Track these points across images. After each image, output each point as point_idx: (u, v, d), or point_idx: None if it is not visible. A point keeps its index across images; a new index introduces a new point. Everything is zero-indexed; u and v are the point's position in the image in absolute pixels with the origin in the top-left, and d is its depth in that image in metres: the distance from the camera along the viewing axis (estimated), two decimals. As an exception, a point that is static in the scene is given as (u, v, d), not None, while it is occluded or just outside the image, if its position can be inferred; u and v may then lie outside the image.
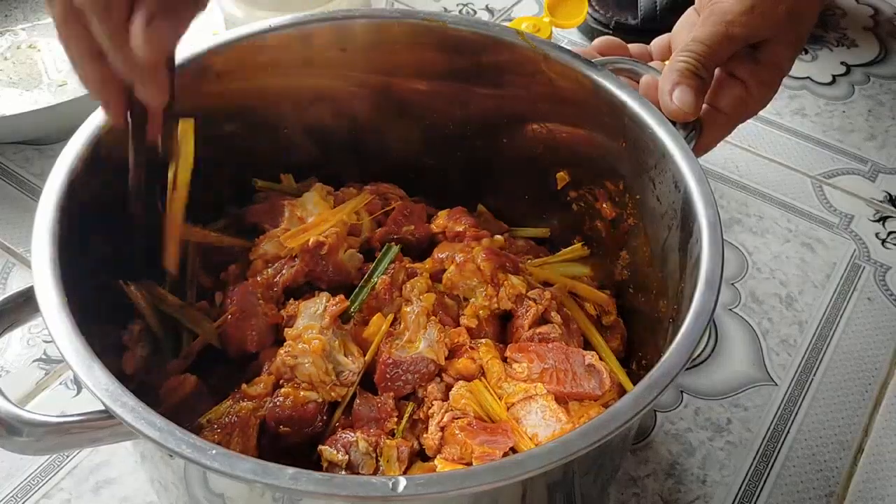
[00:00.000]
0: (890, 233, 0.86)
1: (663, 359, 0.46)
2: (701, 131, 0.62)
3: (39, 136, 0.87)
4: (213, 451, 0.40)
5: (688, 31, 0.67)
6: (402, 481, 0.39)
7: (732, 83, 0.63)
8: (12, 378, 0.69)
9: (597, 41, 0.70)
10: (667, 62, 0.69)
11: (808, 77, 1.04)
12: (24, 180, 0.85)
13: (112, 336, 0.55)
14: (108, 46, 0.47)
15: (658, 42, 0.71)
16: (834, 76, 1.05)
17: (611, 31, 1.02)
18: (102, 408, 0.43)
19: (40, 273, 0.47)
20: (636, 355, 0.64)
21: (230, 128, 0.67)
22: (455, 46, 0.65)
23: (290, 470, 0.39)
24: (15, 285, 0.76)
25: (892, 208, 0.89)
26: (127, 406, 0.42)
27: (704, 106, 0.62)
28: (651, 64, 0.69)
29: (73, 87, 0.92)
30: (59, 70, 0.94)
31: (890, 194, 0.90)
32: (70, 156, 0.54)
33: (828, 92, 1.02)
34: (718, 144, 0.66)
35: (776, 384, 0.73)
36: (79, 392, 0.69)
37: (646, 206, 0.62)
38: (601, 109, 0.62)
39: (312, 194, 0.67)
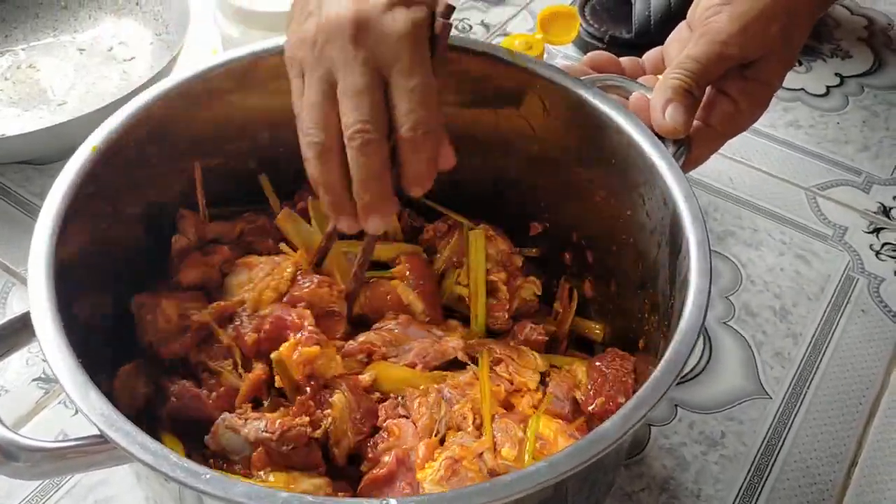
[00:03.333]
0: (884, 244, 0.87)
1: (652, 376, 0.47)
2: (690, 147, 0.63)
3: (40, 155, 0.88)
4: (208, 476, 0.40)
5: (679, 45, 0.68)
6: (394, 503, 0.40)
7: (723, 100, 0.64)
8: (11, 397, 0.70)
9: (588, 56, 0.70)
10: (659, 76, 0.70)
11: (802, 88, 1.05)
12: (25, 200, 0.86)
13: (110, 357, 0.56)
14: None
15: (650, 55, 0.72)
16: (828, 87, 1.05)
17: (605, 46, 1.03)
18: (98, 432, 0.43)
19: (37, 298, 0.48)
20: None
21: (237, 146, 0.68)
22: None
23: (284, 494, 0.40)
24: (15, 305, 0.77)
25: (887, 220, 0.89)
26: (122, 431, 0.42)
27: (695, 122, 0.63)
28: (643, 78, 0.70)
29: (73, 107, 0.93)
30: (58, 90, 0.95)
31: (884, 205, 0.91)
32: (69, 176, 0.55)
33: (822, 103, 1.03)
34: (711, 157, 0.66)
35: (770, 397, 0.73)
36: (78, 412, 0.69)
37: (636, 223, 0.62)
38: (590, 128, 0.63)
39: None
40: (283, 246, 0.67)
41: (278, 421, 0.54)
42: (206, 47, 0.90)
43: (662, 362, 0.47)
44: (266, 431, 0.53)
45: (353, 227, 0.54)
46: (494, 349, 0.63)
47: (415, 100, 0.50)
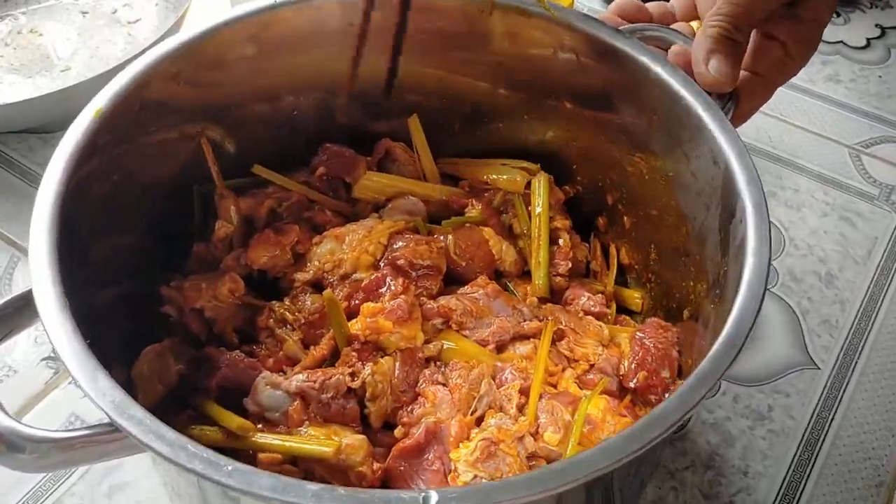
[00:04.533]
0: (934, 203, 0.82)
1: (711, 351, 0.43)
2: (738, 100, 0.58)
3: (43, 123, 0.84)
4: (230, 467, 0.37)
5: None
6: (434, 496, 0.36)
7: (770, 45, 0.59)
8: (20, 378, 0.67)
9: (614, 5, 0.65)
10: (693, 24, 0.65)
11: (840, 41, 0.99)
12: (28, 170, 0.82)
13: (121, 339, 0.52)
14: None
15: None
16: (868, 39, 1.00)
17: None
18: (107, 420, 0.40)
19: (39, 275, 0.44)
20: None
21: (250, 110, 0.64)
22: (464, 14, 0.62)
23: (313, 486, 0.36)
24: (21, 280, 0.73)
25: (936, 177, 0.84)
26: (134, 419, 0.39)
27: (742, 72, 0.58)
28: (676, 26, 0.65)
29: (77, 72, 0.89)
30: (61, 55, 0.91)
31: (932, 163, 0.86)
32: (71, 143, 0.51)
33: (862, 56, 0.98)
34: (749, 114, 0.62)
35: (819, 368, 0.69)
36: (90, 392, 0.66)
37: (680, 184, 0.58)
38: (629, 81, 0.58)
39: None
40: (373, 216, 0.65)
41: (319, 370, 0.53)
42: (215, 4, 0.85)
43: (722, 336, 0.43)
44: (307, 381, 0.52)
45: None
46: (560, 318, 0.59)
47: None
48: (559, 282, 0.64)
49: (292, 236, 0.61)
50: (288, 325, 0.58)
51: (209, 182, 0.62)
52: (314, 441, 0.50)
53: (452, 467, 0.50)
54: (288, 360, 0.56)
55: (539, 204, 0.65)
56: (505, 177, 0.67)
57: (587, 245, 0.67)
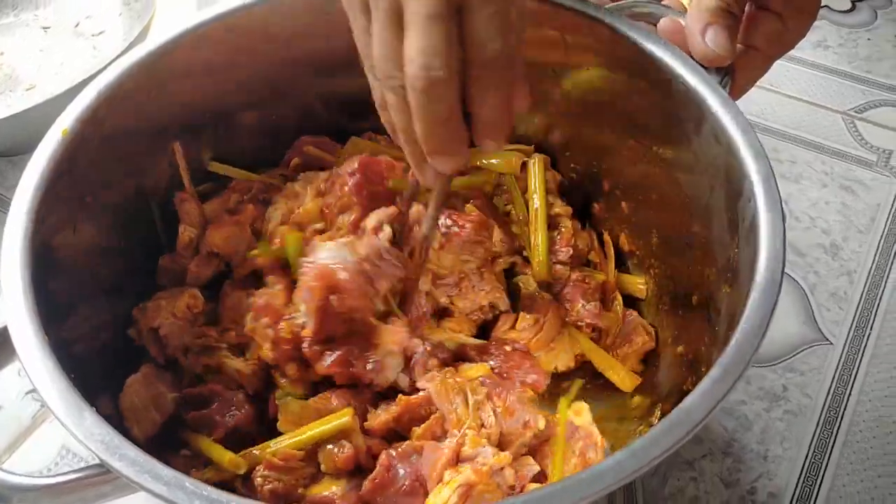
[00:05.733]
0: (933, 165, 0.80)
1: (733, 341, 0.40)
2: (733, 75, 0.56)
3: (10, 146, 0.81)
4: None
5: None
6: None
7: (766, 17, 0.56)
8: (5, 413, 0.64)
9: None
10: (683, 0, 0.63)
11: (825, 6, 0.97)
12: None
13: (106, 367, 0.50)
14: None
15: None
16: (853, 2, 0.98)
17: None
18: (98, 462, 0.37)
19: (15, 311, 0.42)
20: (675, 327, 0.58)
21: (222, 114, 0.61)
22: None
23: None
24: (-1, 313, 0.70)
25: (933, 139, 0.83)
26: (127, 458, 0.36)
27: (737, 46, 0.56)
28: (666, 1, 0.62)
29: (43, 90, 0.85)
30: (24, 73, 0.87)
31: (928, 124, 0.84)
32: (39, 165, 0.49)
33: (849, 20, 0.96)
34: (748, 87, 0.59)
35: (831, 343, 0.67)
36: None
37: (681, 164, 0.56)
38: (621, 61, 0.56)
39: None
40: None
41: None
42: (181, 10, 0.82)
43: (743, 323, 0.41)
44: None
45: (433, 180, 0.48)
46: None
47: (492, 28, 0.41)
48: (560, 270, 0.62)
49: (248, 214, 0.60)
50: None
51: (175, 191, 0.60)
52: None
53: None
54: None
55: (535, 186, 0.63)
56: (499, 160, 0.65)
57: (590, 232, 0.65)
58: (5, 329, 0.41)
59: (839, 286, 0.71)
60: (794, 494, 0.60)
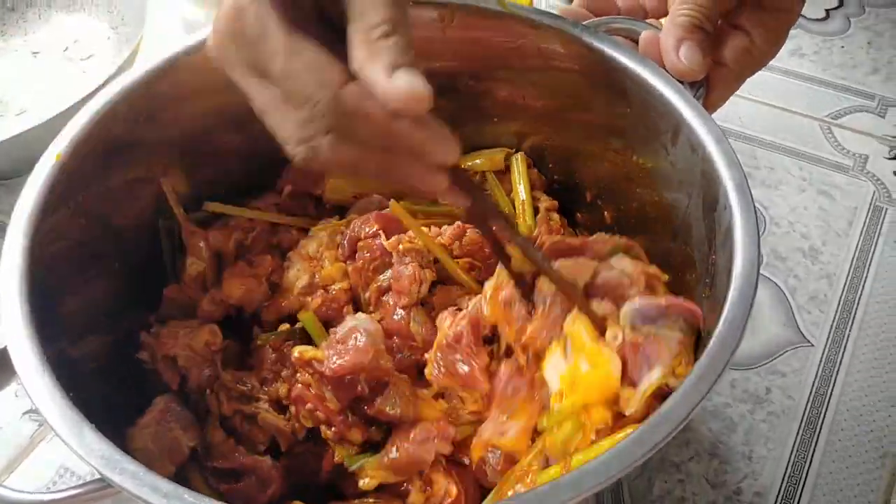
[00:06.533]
0: (908, 169, 0.82)
1: (709, 345, 0.42)
2: (708, 89, 0.58)
3: (4, 169, 0.82)
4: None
5: None
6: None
7: (735, 34, 0.58)
8: (3, 434, 0.65)
9: None
10: (662, 20, 0.65)
11: (800, 14, 0.99)
12: (-7, 220, 0.80)
13: (102, 388, 0.51)
14: None
15: None
16: (827, 11, 1.00)
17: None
18: (99, 476, 0.38)
19: (14, 332, 0.43)
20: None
21: (211, 140, 0.62)
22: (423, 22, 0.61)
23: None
24: (-4, 335, 0.71)
25: (907, 143, 0.85)
26: (127, 472, 0.37)
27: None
28: (649, 20, 0.64)
29: (34, 114, 0.86)
30: (15, 98, 0.89)
31: (903, 129, 0.86)
32: (34, 189, 0.50)
33: (823, 28, 0.98)
34: (723, 99, 0.61)
35: (812, 344, 0.69)
36: (77, 441, 0.64)
37: (659, 175, 0.57)
38: (599, 75, 0.58)
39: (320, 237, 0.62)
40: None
41: None
42: (170, 34, 0.84)
43: (719, 327, 0.42)
44: None
45: None
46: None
47: None
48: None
49: (266, 266, 0.60)
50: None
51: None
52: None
53: None
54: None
55: (518, 178, 0.64)
56: (482, 159, 0.67)
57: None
58: (5, 350, 0.42)
59: (819, 289, 0.73)
60: (778, 493, 0.61)
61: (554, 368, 0.48)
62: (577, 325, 0.48)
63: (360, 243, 0.60)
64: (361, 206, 0.65)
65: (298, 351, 0.52)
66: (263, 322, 0.60)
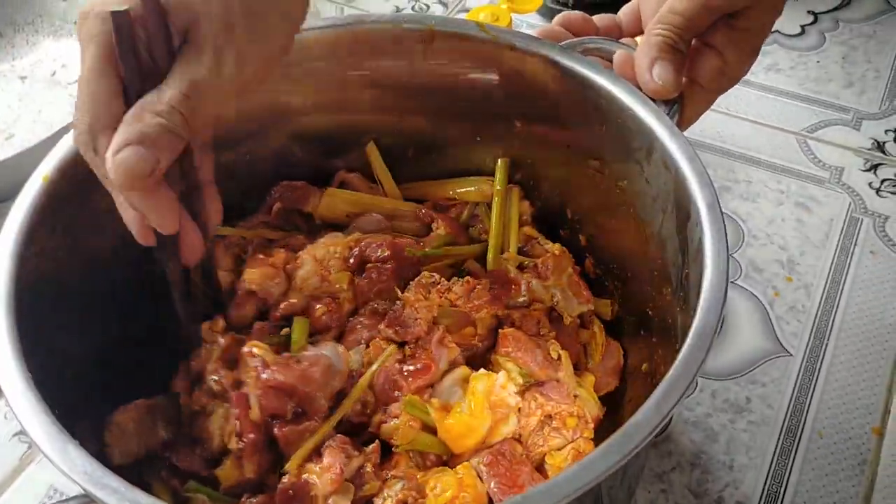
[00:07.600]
0: (883, 181, 0.84)
1: (679, 356, 0.43)
2: (682, 107, 0.59)
3: (-7, 193, 0.83)
4: (212, 528, 0.36)
5: None
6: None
7: (708, 53, 0.60)
8: (-7, 456, 0.65)
9: (559, 17, 0.65)
10: (638, 38, 0.66)
11: (776, 30, 1.01)
12: (-18, 243, 0.80)
13: (89, 405, 0.51)
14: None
15: (627, 10, 0.67)
16: (802, 27, 1.02)
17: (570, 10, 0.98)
18: (83, 492, 0.39)
19: (1, 355, 0.43)
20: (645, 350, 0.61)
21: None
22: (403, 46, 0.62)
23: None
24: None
25: (882, 155, 0.86)
26: (109, 488, 0.38)
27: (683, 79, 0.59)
28: (622, 40, 0.66)
29: (22, 139, 0.88)
30: (3, 122, 0.90)
31: (878, 141, 0.88)
32: (21, 212, 0.51)
33: (799, 43, 1.00)
34: (697, 115, 0.62)
35: (791, 354, 0.70)
36: (66, 461, 0.65)
37: (635, 191, 0.59)
38: (574, 94, 0.59)
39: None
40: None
41: None
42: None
43: (689, 339, 0.43)
44: None
45: None
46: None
47: None
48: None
49: (279, 257, 0.61)
50: None
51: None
52: None
53: None
54: None
55: (510, 216, 0.66)
56: (472, 188, 0.68)
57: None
58: (-9, 371, 0.43)
59: (797, 299, 0.74)
60: (760, 501, 0.62)
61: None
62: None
63: (369, 265, 0.61)
64: (363, 224, 0.66)
65: (251, 345, 0.54)
66: (272, 318, 0.60)
